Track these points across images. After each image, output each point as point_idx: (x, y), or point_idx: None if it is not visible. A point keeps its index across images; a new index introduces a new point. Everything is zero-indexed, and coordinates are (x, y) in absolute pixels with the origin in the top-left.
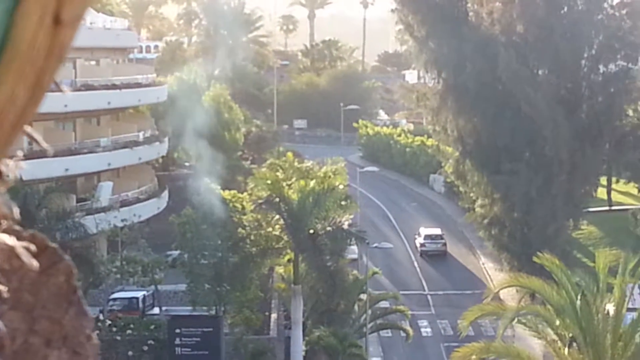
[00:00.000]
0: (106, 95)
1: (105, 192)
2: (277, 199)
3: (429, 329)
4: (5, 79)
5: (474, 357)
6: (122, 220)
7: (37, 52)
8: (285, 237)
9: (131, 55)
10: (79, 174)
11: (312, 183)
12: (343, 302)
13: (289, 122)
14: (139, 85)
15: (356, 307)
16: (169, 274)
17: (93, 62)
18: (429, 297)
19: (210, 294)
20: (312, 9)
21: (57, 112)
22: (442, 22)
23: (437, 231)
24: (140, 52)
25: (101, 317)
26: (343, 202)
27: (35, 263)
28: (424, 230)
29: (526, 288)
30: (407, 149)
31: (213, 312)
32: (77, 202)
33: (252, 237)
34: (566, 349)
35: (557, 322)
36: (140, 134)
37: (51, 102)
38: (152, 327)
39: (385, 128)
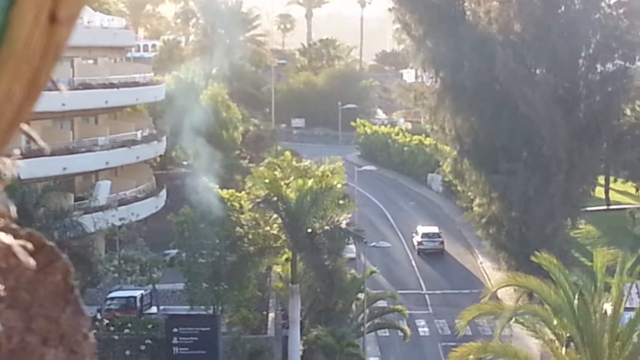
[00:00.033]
0: (104, 94)
1: (103, 191)
2: (275, 198)
3: (426, 329)
4: (1, 78)
5: (471, 356)
6: (120, 219)
7: (33, 50)
8: (283, 236)
9: (129, 54)
10: (77, 173)
11: (310, 182)
12: (341, 302)
13: (287, 121)
14: (136, 84)
15: (354, 306)
16: (166, 273)
17: (91, 61)
18: (426, 296)
19: (208, 293)
20: (310, 7)
21: (55, 110)
22: (439, 21)
23: (434, 229)
24: (138, 51)
25: (99, 316)
26: (341, 201)
27: (32, 261)
28: (422, 229)
29: (524, 287)
30: (405, 148)
31: (211, 312)
32: (75, 201)
33: (250, 236)
34: (564, 349)
35: (555, 322)
36: (138, 132)
37: (49, 101)
38: (150, 326)
39: (383, 127)
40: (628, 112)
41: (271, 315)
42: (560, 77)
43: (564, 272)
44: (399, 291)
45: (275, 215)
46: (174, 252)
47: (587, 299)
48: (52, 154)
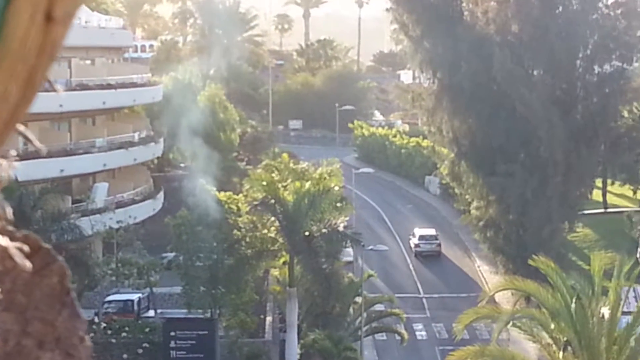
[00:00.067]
0: (101, 95)
1: (100, 193)
2: (273, 201)
3: (424, 332)
4: None
5: None
6: (118, 222)
7: (29, 49)
8: (281, 239)
9: (126, 55)
10: (74, 175)
11: (307, 185)
12: (338, 305)
13: (284, 123)
14: (134, 85)
15: (351, 310)
16: (164, 276)
17: (88, 62)
18: (424, 300)
19: (205, 297)
20: (307, 8)
21: (53, 112)
22: (437, 21)
23: (431, 232)
24: (135, 51)
25: (96, 319)
26: (338, 204)
27: (28, 264)
28: (419, 231)
29: (521, 291)
30: (403, 150)
31: (208, 315)
32: (73, 203)
33: (248, 239)
34: (561, 353)
35: (552, 326)
36: (136, 134)
37: (46, 102)
38: (147, 329)
39: (380, 129)
40: (625, 113)
41: (268, 318)
42: (557, 78)
43: (562, 276)
44: (397, 295)
45: (272, 218)
46: (171, 255)
47: (585, 302)
48: (50, 156)
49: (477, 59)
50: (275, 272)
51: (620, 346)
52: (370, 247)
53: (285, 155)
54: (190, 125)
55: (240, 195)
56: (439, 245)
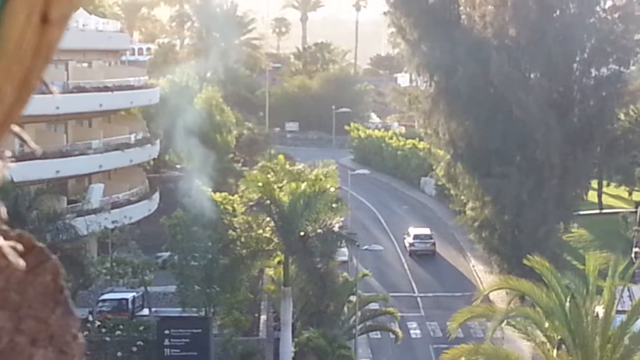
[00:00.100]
0: (98, 97)
1: (96, 193)
2: (268, 202)
3: (418, 331)
4: None
5: (463, 358)
6: (113, 222)
7: (24, 51)
8: (276, 239)
9: (123, 58)
10: (70, 176)
11: (303, 185)
12: (333, 304)
13: (281, 125)
14: (131, 87)
15: (346, 308)
16: (159, 276)
17: (85, 64)
18: (418, 299)
19: (200, 296)
20: (305, 11)
21: (49, 114)
22: (434, 25)
23: (426, 231)
24: (133, 54)
25: (90, 318)
26: (334, 205)
27: (22, 262)
28: (413, 230)
29: (516, 290)
30: (399, 152)
31: (202, 314)
32: (68, 203)
33: (243, 239)
34: (555, 351)
35: (547, 324)
36: (132, 136)
37: (43, 104)
38: (142, 328)
39: (376, 131)
40: (622, 116)
41: (263, 317)
42: (554, 81)
43: (556, 275)
44: (391, 294)
45: (268, 219)
46: (166, 254)
47: (579, 301)
48: (46, 157)
49: (474, 62)
50: (270, 271)
51: (614, 345)
52: (365, 247)
53: (281, 156)
54: (187, 127)
55: (236, 196)
56: (434, 244)
